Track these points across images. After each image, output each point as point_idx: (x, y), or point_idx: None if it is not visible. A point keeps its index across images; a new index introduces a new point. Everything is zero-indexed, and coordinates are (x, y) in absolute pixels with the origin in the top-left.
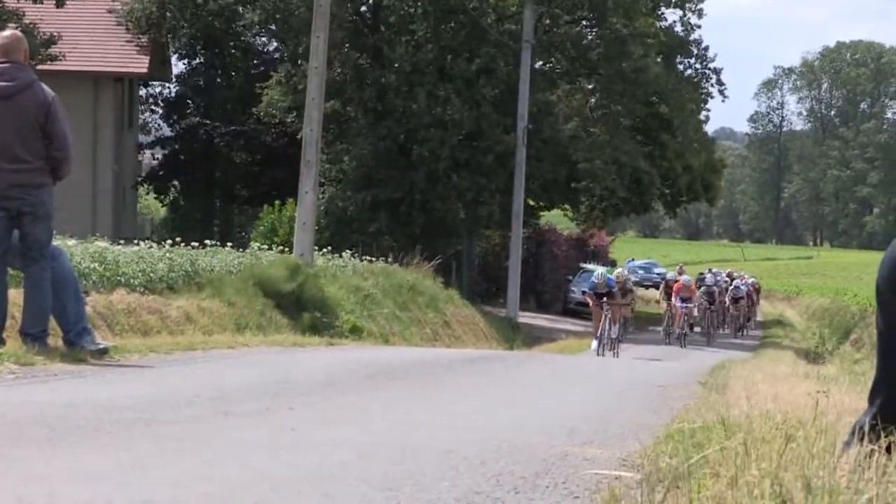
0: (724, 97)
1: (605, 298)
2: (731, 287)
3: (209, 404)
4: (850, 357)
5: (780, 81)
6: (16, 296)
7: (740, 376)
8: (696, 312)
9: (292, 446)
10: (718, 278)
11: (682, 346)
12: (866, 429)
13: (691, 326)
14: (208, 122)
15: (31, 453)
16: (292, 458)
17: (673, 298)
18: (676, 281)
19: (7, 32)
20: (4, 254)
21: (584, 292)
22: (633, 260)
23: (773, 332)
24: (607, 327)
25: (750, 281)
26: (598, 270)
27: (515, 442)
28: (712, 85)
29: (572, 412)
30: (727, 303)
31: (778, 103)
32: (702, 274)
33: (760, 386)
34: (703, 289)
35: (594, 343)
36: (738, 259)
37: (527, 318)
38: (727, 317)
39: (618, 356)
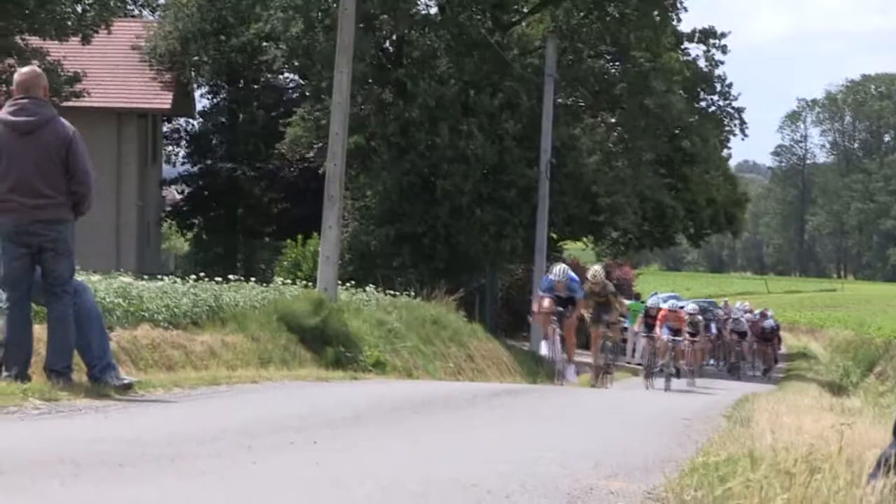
0: (745, 136)
1: (566, 308)
2: (731, 319)
3: (233, 439)
4: (874, 389)
5: (803, 114)
6: (40, 332)
7: (765, 409)
8: (683, 346)
9: (316, 481)
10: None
11: (665, 389)
12: (892, 461)
13: (677, 371)
14: (231, 160)
15: (55, 489)
16: (316, 492)
17: (658, 329)
18: (660, 308)
19: (27, 69)
20: (28, 290)
21: (540, 294)
22: (656, 293)
23: (797, 364)
24: (558, 348)
25: (763, 316)
26: (558, 266)
27: (540, 475)
28: (735, 125)
29: (597, 445)
30: (726, 336)
31: (801, 136)
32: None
33: (785, 418)
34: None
35: (543, 344)
36: (762, 291)
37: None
38: (733, 353)
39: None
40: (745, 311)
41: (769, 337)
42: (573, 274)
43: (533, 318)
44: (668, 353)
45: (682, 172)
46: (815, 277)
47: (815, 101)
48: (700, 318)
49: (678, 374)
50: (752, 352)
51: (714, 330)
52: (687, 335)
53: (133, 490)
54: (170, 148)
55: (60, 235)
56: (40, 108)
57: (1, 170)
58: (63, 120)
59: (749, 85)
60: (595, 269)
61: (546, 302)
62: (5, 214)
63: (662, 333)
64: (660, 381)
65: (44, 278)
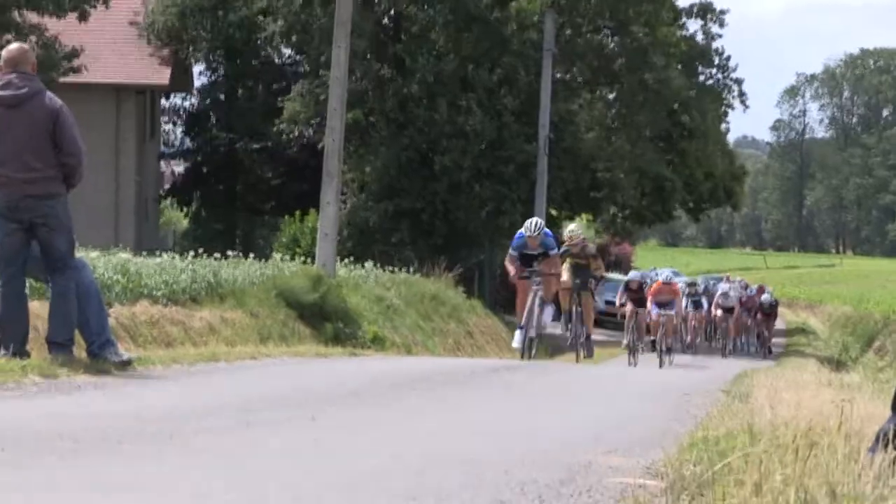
0: (746, 107)
1: (536, 265)
2: (718, 293)
3: (232, 415)
4: (873, 365)
5: (802, 89)
6: (38, 309)
7: (763, 384)
8: (676, 321)
9: (315, 457)
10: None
11: (660, 366)
12: (890, 436)
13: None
14: (230, 135)
15: (54, 465)
16: (315, 468)
17: (649, 304)
18: (639, 282)
19: (14, 45)
20: (22, 266)
21: (511, 254)
22: (655, 269)
23: (796, 340)
24: (536, 311)
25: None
26: (533, 220)
27: (539, 450)
28: (734, 96)
29: (595, 420)
30: (714, 312)
31: (800, 111)
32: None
33: (784, 394)
34: (686, 290)
35: (517, 335)
36: (760, 267)
37: (549, 327)
38: (719, 329)
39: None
40: (743, 287)
41: (768, 312)
42: (549, 230)
43: (511, 279)
44: (660, 329)
45: (681, 147)
46: (814, 253)
47: (813, 76)
48: (701, 288)
49: (669, 351)
50: (744, 329)
51: (705, 305)
52: (688, 307)
53: (132, 466)
54: (168, 126)
55: (52, 210)
56: (27, 81)
57: None
58: (50, 93)
59: (748, 60)
60: (572, 227)
61: (512, 269)
62: None
63: (652, 309)
64: (644, 358)
65: (43, 255)
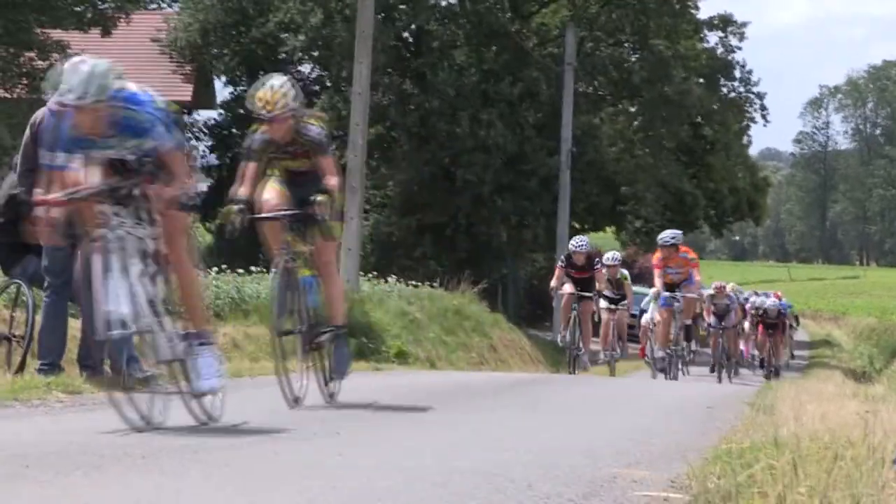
0: (767, 122)
1: (579, 287)
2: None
3: (256, 430)
4: None
5: (825, 101)
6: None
7: (788, 397)
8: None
9: (339, 471)
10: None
11: (668, 376)
12: None
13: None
14: None
15: (78, 481)
16: (340, 483)
17: (657, 280)
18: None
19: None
20: (68, 281)
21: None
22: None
23: (821, 352)
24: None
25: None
26: (578, 237)
27: (562, 464)
28: (755, 110)
29: (619, 433)
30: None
31: (823, 123)
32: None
33: (808, 406)
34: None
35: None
36: (784, 279)
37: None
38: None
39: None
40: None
41: (773, 322)
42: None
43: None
44: (673, 326)
45: (704, 160)
46: (838, 264)
47: (836, 88)
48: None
49: (688, 357)
50: (752, 343)
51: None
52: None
53: (155, 481)
54: (191, 143)
55: None
56: None
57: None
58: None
59: (770, 71)
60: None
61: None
62: None
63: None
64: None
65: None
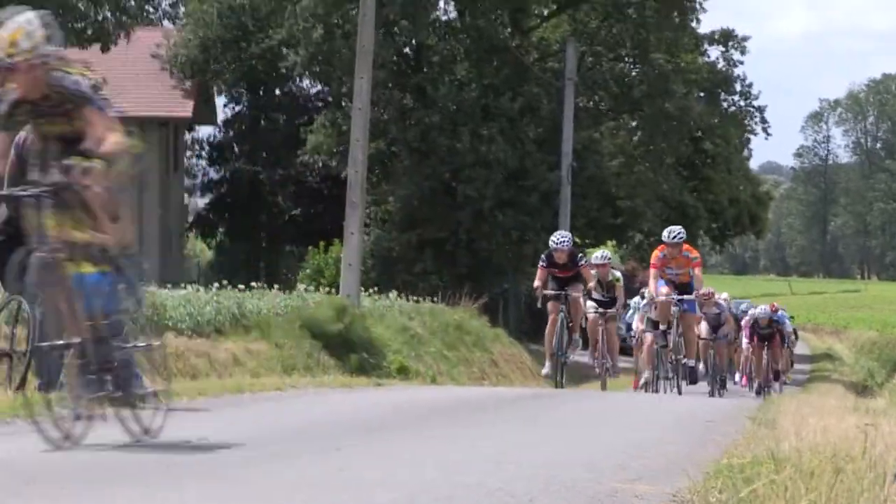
0: (768, 135)
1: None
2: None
3: (257, 446)
4: None
5: (825, 114)
6: None
7: (789, 411)
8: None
9: (341, 488)
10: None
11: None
12: None
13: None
14: (253, 166)
15: (79, 497)
16: (340, 499)
17: (652, 283)
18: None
19: None
20: None
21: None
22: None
23: (822, 365)
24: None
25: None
26: (559, 232)
27: (563, 479)
28: (756, 123)
29: (620, 448)
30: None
31: (824, 136)
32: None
33: (810, 420)
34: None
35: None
36: (785, 293)
37: (574, 355)
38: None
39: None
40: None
41: (766, 333)
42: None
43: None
44: (675, 329)
45: (704, 174)
46: (839, 278)
47: (837, 102)
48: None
49: (687, 373)
50: (750, 364)
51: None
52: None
53: (158, 497)
54: (192, 158)
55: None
56: None
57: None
58: None
59: (770, 85)
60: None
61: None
62: None
63: (658, 287)
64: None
65: None
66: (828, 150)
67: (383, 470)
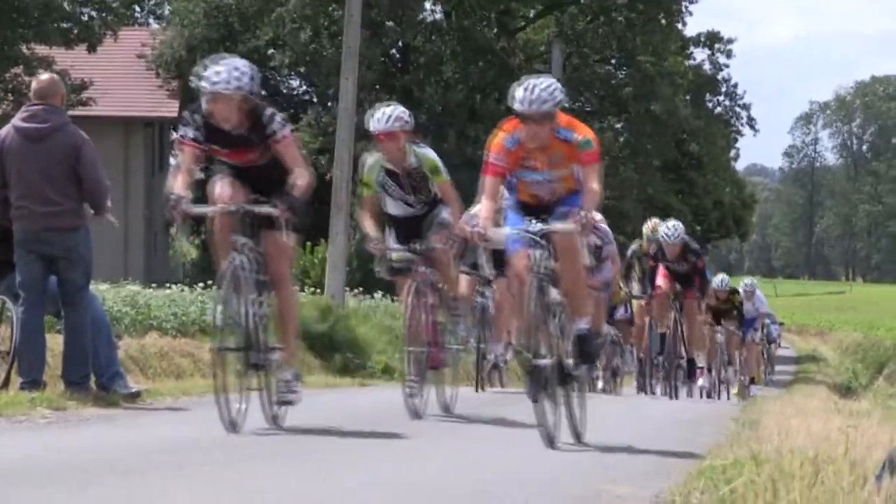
0: (756, 131)
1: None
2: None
3: (242, 447)
4: (883, 391)
5: (814, 116)
6: (50, 341)
7: (772, 412)
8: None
9: (326, 490)
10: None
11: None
12: None
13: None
14: None
15: (63, 498)
16: (326, 501)
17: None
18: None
19: (45, 76)
20: (42, 295)
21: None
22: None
23: (806, 367)
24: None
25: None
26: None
27: (549, 480)
28: (742, 123)
29: (605, 450)
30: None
31: (813, 139)
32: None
33: (793, 421)
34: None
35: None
36: (770, 294)
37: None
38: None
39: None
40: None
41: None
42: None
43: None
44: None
45: (690, 176)
46: (824, 280)
47: (826, 104)
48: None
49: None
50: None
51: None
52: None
53: (141, 498)
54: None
55: (72, 243)
56: (52, 114)
57: (12, 177)
58: (75, 127)
59: (758, 88)
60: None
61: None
62: (17, 221)
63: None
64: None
65: (59, 286)
66: (815, 152)
67: (369, 472)
